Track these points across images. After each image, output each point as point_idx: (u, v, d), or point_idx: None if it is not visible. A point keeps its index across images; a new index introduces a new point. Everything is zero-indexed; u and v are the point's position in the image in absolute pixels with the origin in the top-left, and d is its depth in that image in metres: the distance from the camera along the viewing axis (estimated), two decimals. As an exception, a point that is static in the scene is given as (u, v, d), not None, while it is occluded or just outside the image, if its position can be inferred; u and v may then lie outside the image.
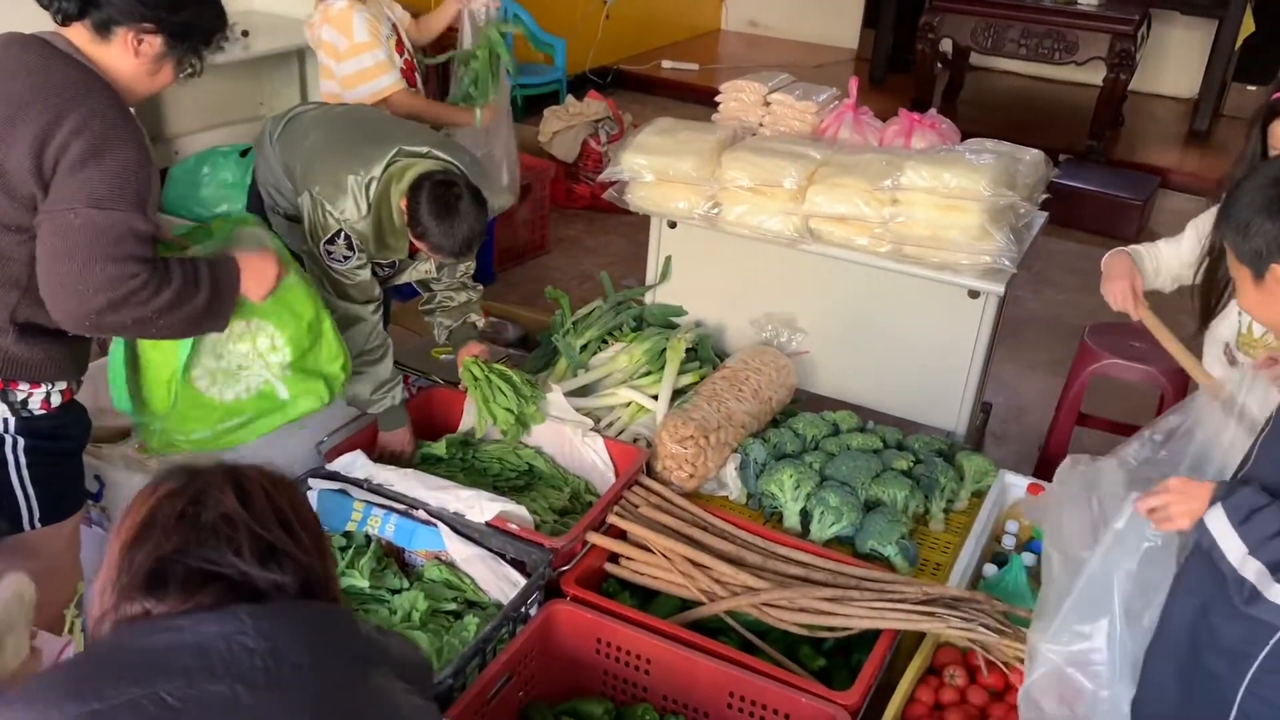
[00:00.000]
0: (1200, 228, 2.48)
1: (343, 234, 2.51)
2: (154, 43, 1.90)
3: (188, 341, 2.10)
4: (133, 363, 2.15)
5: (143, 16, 1.87)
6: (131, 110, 1.92)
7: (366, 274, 2.60)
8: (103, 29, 1.87)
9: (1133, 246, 2.55)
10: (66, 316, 1.86)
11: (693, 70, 7.94)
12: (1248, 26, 6.74)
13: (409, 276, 2.80)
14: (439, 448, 2.69)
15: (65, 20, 1.88)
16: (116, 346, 2.11)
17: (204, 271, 1.98)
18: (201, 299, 1.96)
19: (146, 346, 2.10)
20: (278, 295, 2.18)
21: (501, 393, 2.65)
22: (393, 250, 2.62)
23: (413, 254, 2.70)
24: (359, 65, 3.24)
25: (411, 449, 2.71)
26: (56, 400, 1.98)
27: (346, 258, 2.53)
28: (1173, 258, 2.51)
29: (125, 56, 1.89)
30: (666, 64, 7.99)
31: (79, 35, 1.88)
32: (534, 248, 4.94)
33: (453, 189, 2.46)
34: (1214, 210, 2.36)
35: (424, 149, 2.57)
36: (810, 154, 2.92)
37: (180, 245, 2.16)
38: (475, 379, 2.69)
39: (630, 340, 3.05)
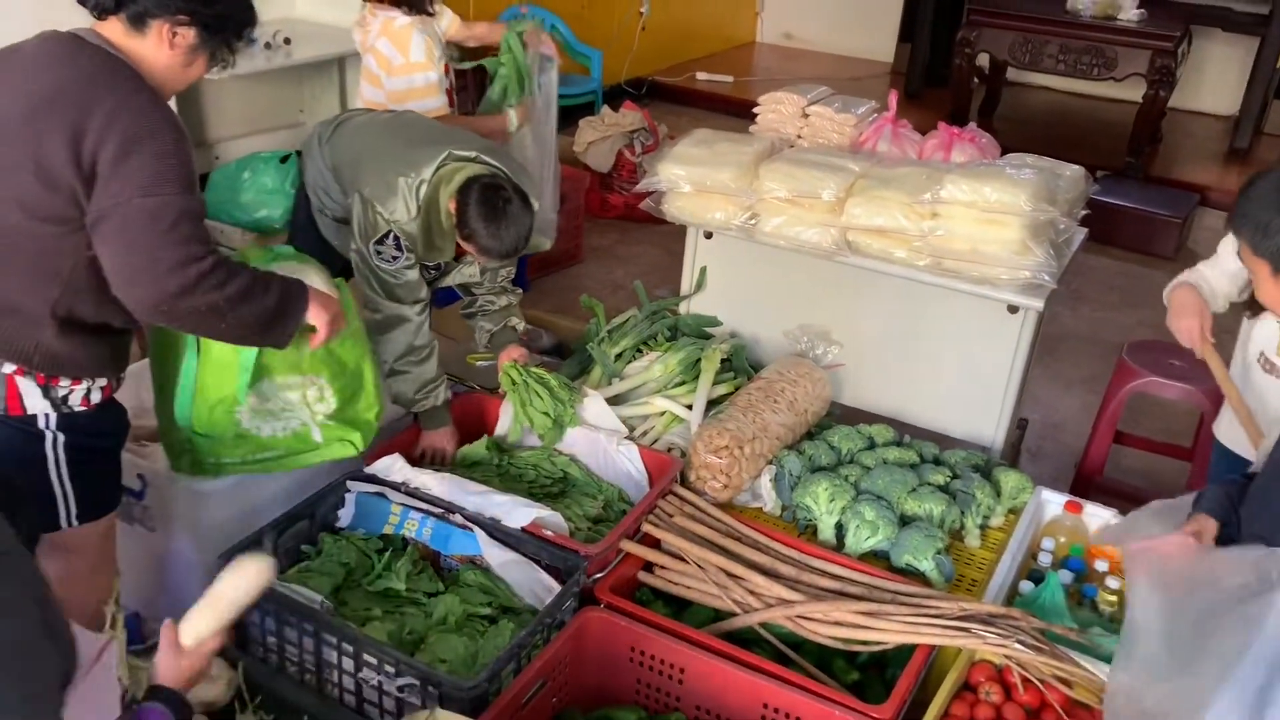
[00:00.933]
0: (1233, 242, 2.46)
1: (392, 234, 2.54)
2: (188, 35, 1.93)
3: (244, 376, 2.13)
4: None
5: (178, 9, 1.90)
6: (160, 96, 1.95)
7: (414, 274, 2.62)
8: (138, 22, 1.90)
9: (1192, 278, 2.51)
10: (142, 305, 1.89)
11: (727, 82, 7.95)
12: (1291, 43, 6.67)
13: (453, 279, 2.82)
14: (479, 447, 2.70)
15: (101, 14, 1.92)
16: (189, 365, 2.13)
17: (274, 280, 2.03)
18: (271, 302, 1.99)
19: (205, 371, 2.12)
20: (331, 349, 2.22)
21: (539, 396, 2.66)
22: (440, 252, 2.64)
23: (458, 257, 2.72)
24: (410, 84, 3.29)
25: (454, 449, 2.72)
26: (97, 397, 2.00)
27: (395, 258, 2.56)
28: (1220, 279, 2.48)
29: (160, 49, 1.92)
30: (701, 76, 8.00)
31: (113, 29, 1.92)
32: (568, 257, 4.96)
33: (501, 192, 2.49)
34: None
35: (472, 153, 2.60)
36: (849, 166, 2.92)
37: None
38: (514, 383, 2.71)
39: (665, 350, 3.05)
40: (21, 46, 1.93)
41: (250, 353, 2.10)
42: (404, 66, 3.28)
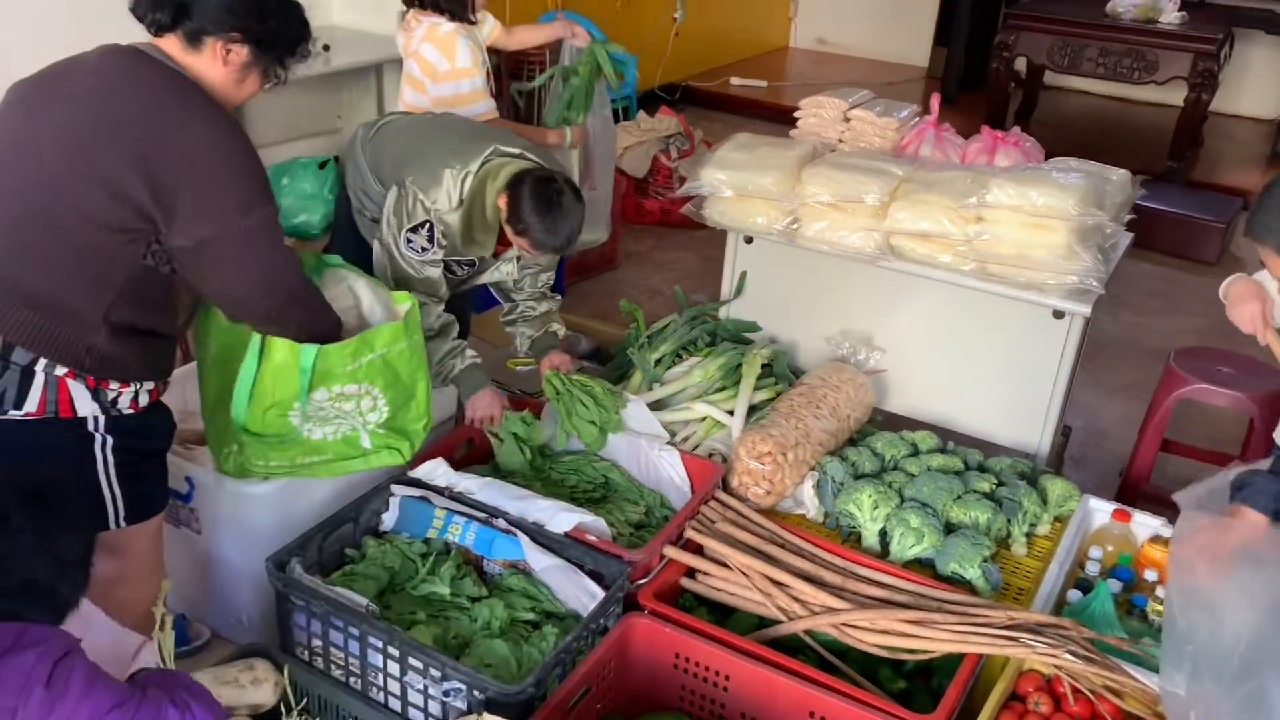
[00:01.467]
0: None
1: (428, 225, 2.56)
2: (241, 52, 1.96)
3: (304, 378, 2.15)
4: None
5: (231, 26, 1.93)
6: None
7: (435, 272, 2.65)
8: (193, 39, 1.94)
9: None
10: (255, 311, 2.04)
11: (761, 87, 7.92)
12: (1335, 46, 6.57)
13: (489, 278, 2.83)
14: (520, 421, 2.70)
15: (159, 31, 1.95)
16: (249, 366, 2.15)
17: (330, 310, 2.23)
18: (331, 326, 2.17)
19: (265, 374, 2.15)
20: (389, 360, 2.24)
21: (583, 404, 2.66)
22: (479, 246, 2.65)
23: (496, 254, 2.72)
24: (457, 89, 3.30)
25: (500, 409, 2.70)
26: (144, 400, 2.01)
27: (425, 250, 2.58)
28: (1275, 286, 2.43)
29: (215, 65, 1.96)
30: (735, 81, 7.98)
31: (172, 45, 1.95)
32: (604, 262, 4.96)
33: (553, 185, 2.50)
34: None
35: (517, 150, 2.62)
36: (892, 170, 2.90)
37: None
38: (557, 392, 2.70)
39: (705, 355, 3.04)
40: (83, 60, 1.96)
41: (309, 356, 2.11)
42: (450, 72, 3.29)
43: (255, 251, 1.96)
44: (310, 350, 2.11)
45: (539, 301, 2.91)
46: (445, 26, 3.29)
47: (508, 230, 2.57)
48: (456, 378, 2.71)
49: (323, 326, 2.16)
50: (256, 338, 2.09)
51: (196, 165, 1.86)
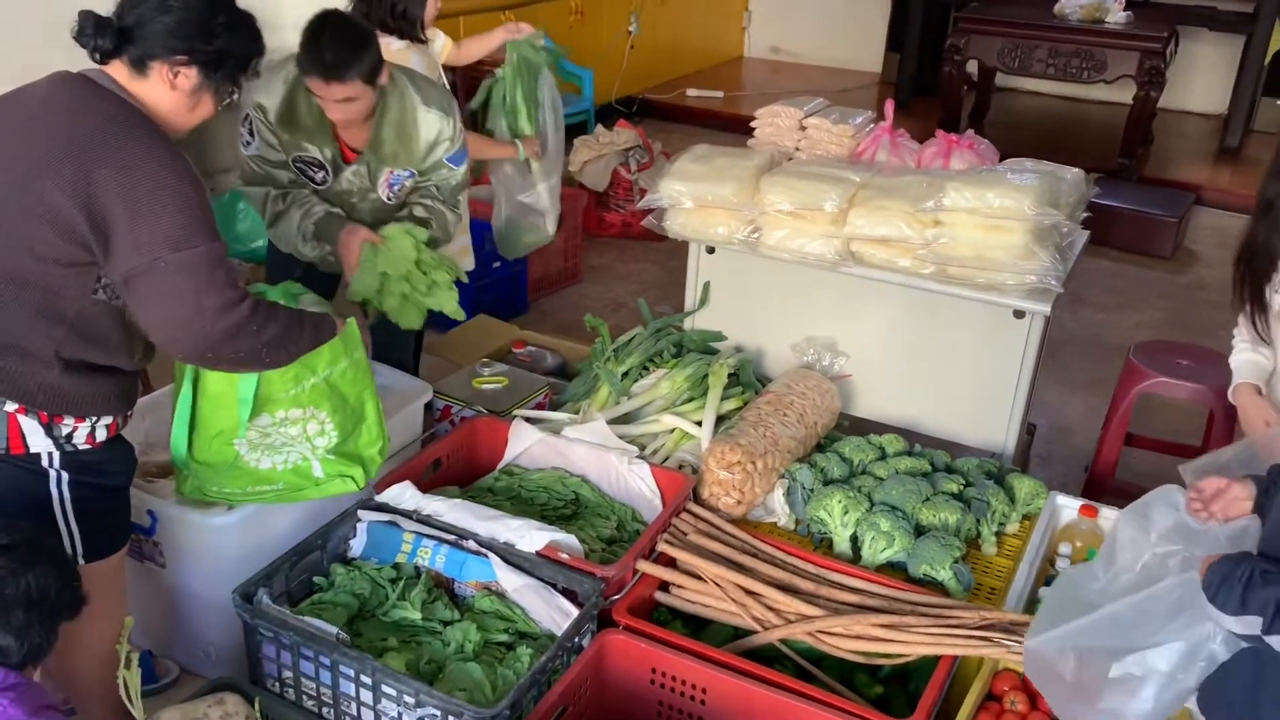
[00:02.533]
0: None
1: (249, 118, 2.68)
2: (190, 74, 1.91)
3: (244, 409, 2.12)
4: (192, 414, 2.18)
5: (175, 49, 1.88)
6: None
7: (284, 175, 2.75)
8: (139, 65, 1.89)
9: (1245, 372, 2.41)
10: (188, 353, 1.96)
11: (717, 97, 7.96)
12: (1277, 41, 6.72)
13: (346, 184, 2.79)
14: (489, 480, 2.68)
15: (103, 58, 1.90)
16: (184, 396, 2.11)
17: (307, 320, 2.12)
18: (306, 343, 2.10)
19: (205, 403, 2.11)
20: (332, 382, 2.20)
21: (378, 270, 2.61)
22: (306, 133, 2.69)
23: (347, 160, 2.76)
24: None
25: (358, 245, 2.64)
26: (101, 435, 1.96)
27: (248, 143, 2.72)
28: (1261, 358, 2.41)
29: (163, 90, 1.90)
30: (691, 92, 8.02)
31: (119, 72, 1.90)
32: (567, 276, 4.96)
33: (326, 11, 2.58)
34: None
35: None
36: (849, 177, 2.92)
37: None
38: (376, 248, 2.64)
39: (671, 366, 3.03)
40: (33, 88, 1.91)
41: (249, 386, 2.08)
42: None
43: (182, 289, 1.84)
44: (250, 380, 2.07)
45: (425, 199, 2.87)
46: (396, 44, 3.27)
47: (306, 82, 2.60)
48: (318, 234, 2.73)
49: (296, 347, 2.07)
50: (186, 367, 2.07)
51: (131, 196, 1.79)
